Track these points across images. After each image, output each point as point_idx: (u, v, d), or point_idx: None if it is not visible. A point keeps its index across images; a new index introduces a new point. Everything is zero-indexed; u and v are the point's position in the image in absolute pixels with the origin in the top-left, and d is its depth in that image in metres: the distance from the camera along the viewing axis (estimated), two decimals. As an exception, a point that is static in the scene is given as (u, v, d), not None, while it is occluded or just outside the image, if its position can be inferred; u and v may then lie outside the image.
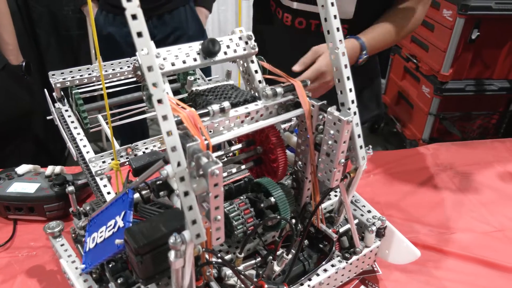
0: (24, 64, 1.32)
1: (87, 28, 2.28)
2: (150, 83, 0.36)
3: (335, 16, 0.48)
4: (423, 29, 2.08)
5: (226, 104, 0.46)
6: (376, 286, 0.64)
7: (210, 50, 0.50)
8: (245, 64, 0.57)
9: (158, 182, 0.49)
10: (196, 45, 0.50)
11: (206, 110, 0.45)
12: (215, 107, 0.45)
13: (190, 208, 0.39)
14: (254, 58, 0.57)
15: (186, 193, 0.38)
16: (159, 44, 1.60)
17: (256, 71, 0.56)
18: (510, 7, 1.79)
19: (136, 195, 0.52)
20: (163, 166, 0.43)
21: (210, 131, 0.47)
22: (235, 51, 0.53)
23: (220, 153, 0.58)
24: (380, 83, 1.15)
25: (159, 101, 0.36)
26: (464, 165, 0.96)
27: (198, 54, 0.50)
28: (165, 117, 0.37)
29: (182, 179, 0.38)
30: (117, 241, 0.46)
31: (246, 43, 0.55)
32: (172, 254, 0.40)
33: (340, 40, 0.49)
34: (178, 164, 0.38)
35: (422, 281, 0.66)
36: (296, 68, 0.77)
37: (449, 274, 0.67)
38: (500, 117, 2.09)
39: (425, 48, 2.06)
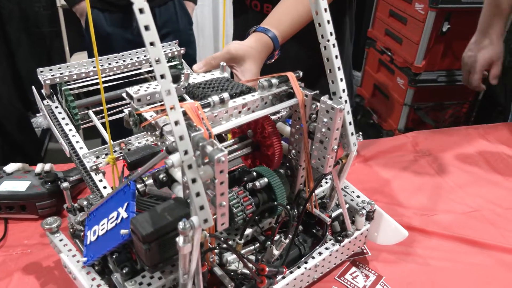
0: None
1: (60, 25, 2.23)
2: (158, 74, 0.37)
3: (325, 10, 0.51)
4: (397, 22, 2.15)
5: (225, 95, 0.48)
6: (366, 267, 0.68)
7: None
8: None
9: (162, 175, 0.51)
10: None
11: (207, 101, 0.46)
12: (216, 98, 0.47)
13: (198, 194, 0.40)
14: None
15: (194, 180, 0.40)
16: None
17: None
18: (477, 0, 1.86)
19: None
20: (167, 157, 0.44)
21: (210, 122, 0.48)
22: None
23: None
24: (352, 75, 1.17)
25: (168, 92, 0.38)
26: (441, 151, 1.01)
27: None
28: (173, 107, 0.38)
29: (190, 166, 0.40)
30: (123, 231, 0.47)
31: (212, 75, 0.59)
32: (180, 240, 0.41)
33: (330, 33, 0.51)
34: (186, 152, 0.40)
35: (409, 260, 0.70)
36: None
37: (433, 252, 0.72)
38: (470, 106, 2.19)
39: (399, 41, 2.12)
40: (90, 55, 1.52)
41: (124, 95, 0.51)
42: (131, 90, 0.50)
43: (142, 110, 0.49)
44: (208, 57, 0.71)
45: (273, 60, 0.80)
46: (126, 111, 0.52)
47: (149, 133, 0.50)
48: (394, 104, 2.20)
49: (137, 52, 0.80)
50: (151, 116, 0.49)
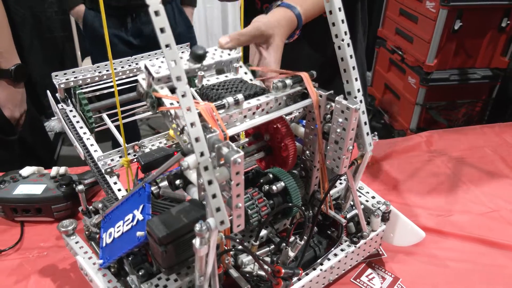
0: (14, 68, 1.26)
1: (72, 29, 2.26)
2: (174, 76, 0.37)
3: (339, 9, 0.50)
4: (407, 21, 2.13)
5: (240, 96, 0.47)
6: (383, 268, 0.67)
7: (198, 54, 0.50)
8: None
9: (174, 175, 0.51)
10: (186, 54, 0.52)
11: (222, 103, 0.46)
12: (230, 99, 0.47)
13: (214, 196, 0.40)
14: (241, 63, 0.58)
15: (210, 182, 0.40)
16: (148, 39, 1.56)
17: (245, 73, 0.58)
18: (490, -3, 1.84)
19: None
20: (182, 158, 0.44)
21: (225, 123, 0.48)
22: (221, 56, 0.56)
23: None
24: (366, 74, 1.16)
25: (183, 95, 0.37)
26: (457, 150, 0.99)
27: (188, 60, 0.51)
28: (189, 109, 0.38)
29: (206, 168, 0.40)
30: (139, 233, 0.48)
31: (229, 54, 0.57)
32: (197, 242, 0.41)
33: (345, 32, 0.51)
34: (202, 154, 0.39)
35: (425, 262, 0.69)
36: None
37: (450, 253, 0.70)
38: (483, 104, 2.16)
39: (410, 40, 2.10)
40: (93, 57, 1.58)
41: (142, 67, 0.48)
42: (152, 68, 0.46)
43: (161, 94, 0.47)
44: (234, 32, 0.64)
45: (292, 40, 0.75)
46: (141, 79, 0.48)
47: (164, 117, 0.48)
48: (406, 103, 2.18)
49: (149, 55, 0.80)
50: (171, 104, 0.46)
